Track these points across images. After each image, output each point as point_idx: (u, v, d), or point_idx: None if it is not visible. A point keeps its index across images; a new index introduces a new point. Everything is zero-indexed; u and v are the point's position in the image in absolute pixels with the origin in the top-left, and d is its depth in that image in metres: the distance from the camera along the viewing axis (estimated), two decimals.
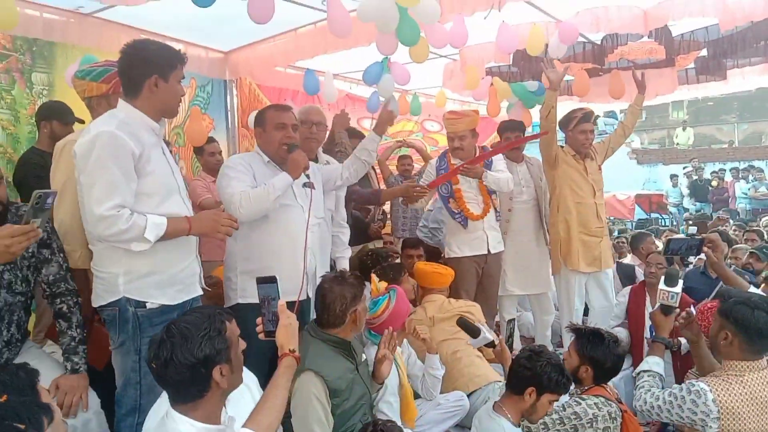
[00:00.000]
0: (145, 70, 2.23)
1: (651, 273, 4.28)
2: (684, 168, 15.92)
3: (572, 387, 2.69)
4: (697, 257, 4.34)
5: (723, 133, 21.59)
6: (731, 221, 9.92)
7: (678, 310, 2.72)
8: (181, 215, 2.29)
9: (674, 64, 5.77)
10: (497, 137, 4.95)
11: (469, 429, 2.85)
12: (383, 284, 3.00)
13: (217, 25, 4.44)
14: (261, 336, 1.95)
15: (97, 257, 2.26)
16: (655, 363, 2.68)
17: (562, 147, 4.35)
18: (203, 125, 5.13)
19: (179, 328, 1.65)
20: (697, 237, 3.94)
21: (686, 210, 14.97)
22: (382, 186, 5.47)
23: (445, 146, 4.30)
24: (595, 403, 2.59)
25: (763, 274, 4.45)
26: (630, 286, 4.66)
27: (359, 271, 3.36)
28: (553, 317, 4.60)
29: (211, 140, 4.75)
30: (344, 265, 3.48)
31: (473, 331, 3.11)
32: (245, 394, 1.96)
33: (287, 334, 1.87)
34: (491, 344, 3.10)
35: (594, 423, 2.54)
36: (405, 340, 3.13)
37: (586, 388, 2.73)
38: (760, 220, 9.61)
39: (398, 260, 4.04)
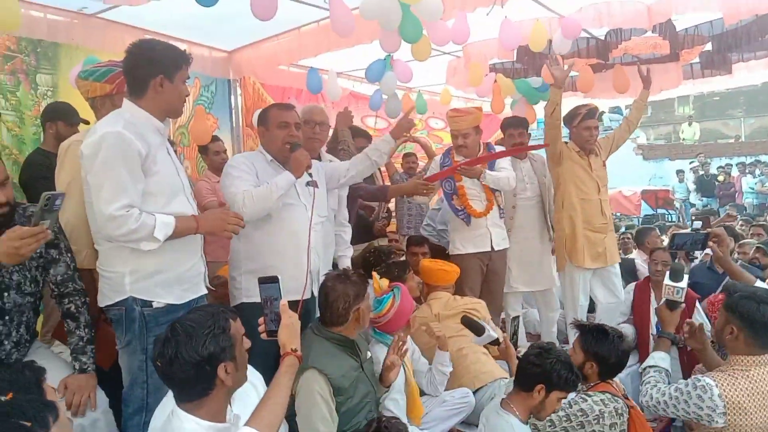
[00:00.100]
0: (150, 70, 2.23)
1: (657, 271, 4.25)
2: (690, 163, 15.81)
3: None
4: (703, 252, 4.32)
5: (729, 127, 21.45)
6: (739, 217, 9.86)
7: (683, 305, 2.72)
8: (187, 215, 2.30)
9: (679, 59, 5.73)
10: (501, 134, 4.94)
11: (475, 426, 2.85)
12: (385, 282, 2.99)
13: (220, 25, 4.45)
14: (263, 336, 1.96)
15: (103, 257, 2.27)
16: (660, 358, 2.69)
17: (566, 143, 4.34)
18: (208, 124, 5.14)
19: (184, 326, 1.66)
20: (701, 232, 3.93)
21: (693, 205, 14.90)
22: (388, 183, 5.47)
23: (449, 144, 4.29)
24: (601, 400, 2.58)
25: None
26: (634, 283, 4.64)
27: (362, 269, 3.36)
28: (559, 314, 4.59)
29: (215, 139, 4.76)
30: (346, 264, 3.47)
31: (477, 330, 3.10)
32: (251, 393, 1.95)
33: (289, 333, 1.87)
34: (496, 342, 3.10)
35: (601, 419, 2.53)
36: (409, 337, 3.13)
37: (592, 384, 2.72)
38: (767, 214, 9.55)
39: (403, 258, 4.04)
